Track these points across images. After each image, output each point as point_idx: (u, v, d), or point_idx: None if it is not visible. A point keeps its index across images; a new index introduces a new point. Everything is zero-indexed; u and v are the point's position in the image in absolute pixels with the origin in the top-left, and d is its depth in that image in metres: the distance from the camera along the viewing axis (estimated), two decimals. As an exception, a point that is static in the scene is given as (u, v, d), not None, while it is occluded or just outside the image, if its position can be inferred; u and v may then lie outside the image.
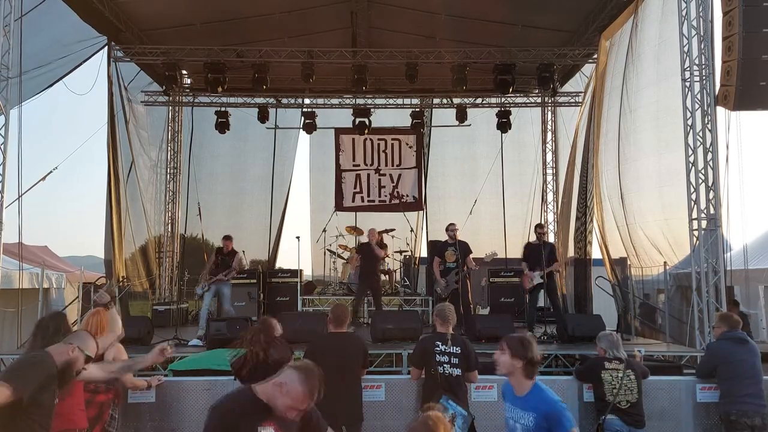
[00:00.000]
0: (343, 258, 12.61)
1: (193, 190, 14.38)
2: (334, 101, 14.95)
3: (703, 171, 7.92)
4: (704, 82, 7.92)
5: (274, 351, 4.92)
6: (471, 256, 8.88)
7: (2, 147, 7.68)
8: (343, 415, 4.60)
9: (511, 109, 14.33)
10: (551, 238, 14.31)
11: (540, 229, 9.41)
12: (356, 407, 4.76)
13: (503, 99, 14.28)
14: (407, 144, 14.87)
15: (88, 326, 4.38)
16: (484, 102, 14.73)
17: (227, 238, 9.38)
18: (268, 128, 14.68)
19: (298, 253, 10.60)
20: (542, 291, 8.89)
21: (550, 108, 14.84)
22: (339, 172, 14.79)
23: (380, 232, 12.75)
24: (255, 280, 11.31)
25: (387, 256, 10.49)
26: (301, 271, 11.76)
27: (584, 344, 7.76)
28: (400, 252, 13.07)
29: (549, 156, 14.93)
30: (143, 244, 13.37)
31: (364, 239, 11.15)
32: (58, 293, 10.97)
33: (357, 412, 4.76)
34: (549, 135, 14.93)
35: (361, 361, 4.93)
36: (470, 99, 14.54)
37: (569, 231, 12.47)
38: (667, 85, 8.97)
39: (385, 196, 14.74)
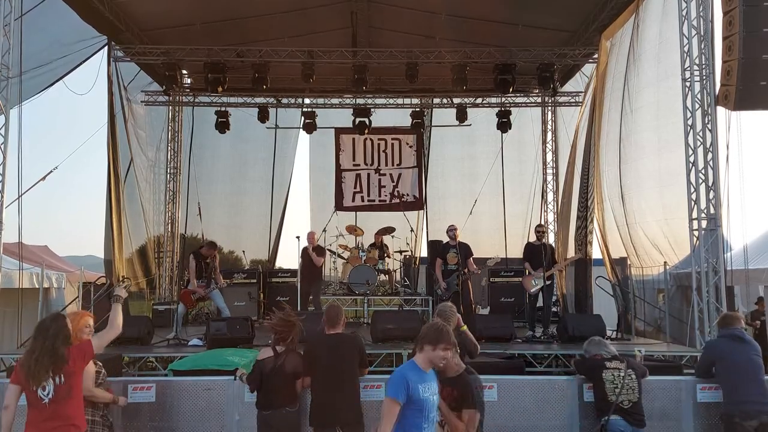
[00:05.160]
0: (343, 258, 12.60)
1: (193, 190, 14.35)
2: (334, 101, 14.93)
3: (703, 171, 7.91)
4: (704, 82, 7.92)
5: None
6: (472, 257, 8.89)
7: (2, 147, 7.67)
8: (340, 417, 4.55)
9: (511, 108, 14.32)
10: (551, 238, 14.31)
11: (540, 229, 9.44)
12: (354, 408, 4.65)
13: (503, 99, 14.27)
14: (407, 144, 14.87)
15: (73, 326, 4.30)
16: (484, 102, 14.71)
17: (212, 247, 9.14)
18: (268, 128, 14.66)
19: (298, 253, 10.61)
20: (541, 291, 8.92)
21: (550, 108, 14.83)
22: (339, 171, 14.78)
23: (380, 232, 12.77)
24: (255, 280, 11.31)
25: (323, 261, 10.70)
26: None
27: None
28: (400, 252, 13.06)
29: (549, 156, 14.92)
30: (142, 243, 13.37)
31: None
32: (58, 293, 10.97)
33: (355, 414, 4.64)
34: (549, 135, 14.93)
35: (357, 361, 4.81)
36: (470, 99, 14.52)
37: (569, 231, 12.45)
38: (668, 85, 8.96)
39: (386, 195, 14.74)
